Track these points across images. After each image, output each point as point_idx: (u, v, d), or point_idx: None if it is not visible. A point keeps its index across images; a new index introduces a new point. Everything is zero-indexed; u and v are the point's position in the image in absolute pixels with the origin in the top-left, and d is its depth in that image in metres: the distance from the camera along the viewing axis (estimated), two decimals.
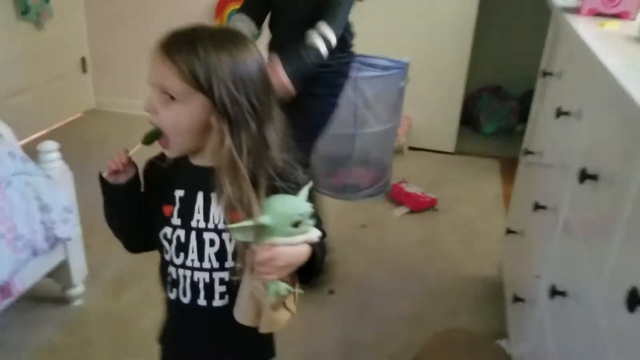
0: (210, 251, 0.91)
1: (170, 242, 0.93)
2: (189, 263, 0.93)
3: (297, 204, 0.80)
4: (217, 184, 0.86)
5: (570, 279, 1.14)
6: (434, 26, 3.11)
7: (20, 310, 1.83)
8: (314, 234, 0.82)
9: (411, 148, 3.33)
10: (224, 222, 0.89)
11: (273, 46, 1.88)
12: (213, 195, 0.90)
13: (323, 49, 1.66)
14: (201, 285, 0.93)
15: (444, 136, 3.34)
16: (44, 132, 3.24)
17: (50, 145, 1.73)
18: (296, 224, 0.78)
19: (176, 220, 0.93)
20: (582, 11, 1.50)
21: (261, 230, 0.78)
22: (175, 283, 0.95)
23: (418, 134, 3.32)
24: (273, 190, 0.85)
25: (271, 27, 1.91)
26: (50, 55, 3.29)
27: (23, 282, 1.65)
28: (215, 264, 0.92)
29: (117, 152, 0.95)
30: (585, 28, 1.36)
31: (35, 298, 1.92)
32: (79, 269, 1.90)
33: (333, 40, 1.67)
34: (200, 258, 0.92)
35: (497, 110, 3.63)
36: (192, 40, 0.85)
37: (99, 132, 3.40)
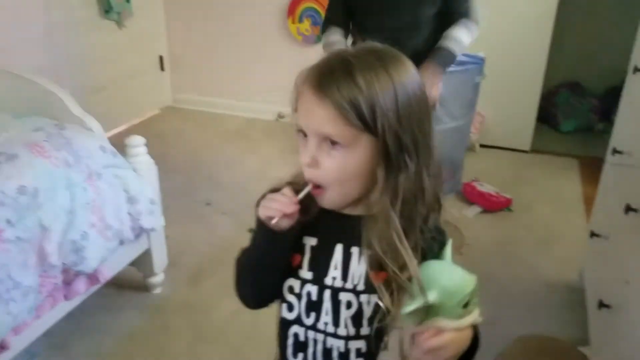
0: (346, 315, 0.78)
1: (299, 297, 0.80)
2: (321, 326, 0.80)
3: (463, 277, 0.67)
4: (363, 237, 0.74)
5: None
6: (511, 19, 3.01)
7: (104, 297, 1.92)
8: (478, 314, 0.68)
9: (483, 146, 3.24)
10: (365, 284, 0.76)
11: None
12: (354, 250, 0.78)
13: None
14: (335, 354, 0.80)
15: (519, 134, 3.23)
16: (122, 128, 3.39)
17: (138, 140, 1.81)
18: (466, 304, 0.66)
19: (306, 274, 0.80)
20: None
21: (427, 310, 0.66)
22: (302, 346, 0.82)
23: (492, 131, 3.23)
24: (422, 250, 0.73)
25: (364, 33, 1.88)
26: (130, 53, 3.43)
27: (109, 270, 1.73)
28: (352, 331, 0.78)
29: (282, 192, 0.76)
30: None
31: (118, 285, 2.01)
32: (160, 258, 1.98)
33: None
34: (336, 322, 0.79)
35: (576, 108, 3.48)
36: (349, 71, 0.70)
37: (176, 128, 3.53)
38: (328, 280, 0.78)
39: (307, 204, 0.76)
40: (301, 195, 0.75)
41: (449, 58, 1.80)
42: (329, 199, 0.75)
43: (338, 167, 0.72)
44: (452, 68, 2.59)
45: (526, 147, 3.24)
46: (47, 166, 1.52)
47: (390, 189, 0.72)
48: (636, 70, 1.63)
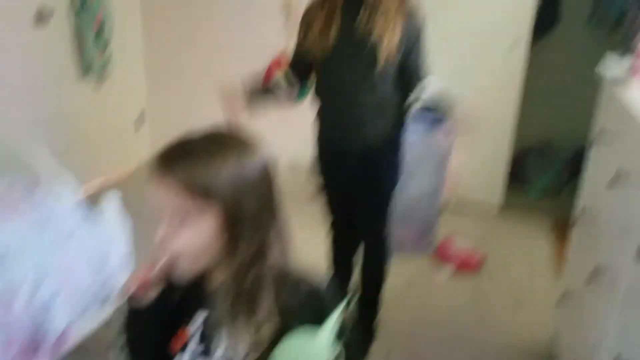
0: None
1: None
2: None
3: (312, 353, 0.68)
4: (214, 307, 0.82)
5: (637, 349, 1.10)
6: (481, 83, 3.13)
7: None
8: None
9: (457, 204, 3.30)
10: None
11: (322, 112, 1.92)
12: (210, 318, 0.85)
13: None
14: None
15: (491, 193, 3.31)
16: (98, 186, 3.36)
17: (111, 198, 1.81)
18: None
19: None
20: (636, 74, 1.50)
21: None
22: None
23: (465, 189, 3.29)
24: (287, 316, 0.77)
25: (322, 92, 1.89)
26: (108, 111, 3.45)
27: (78, 332, 1.69)
28: None
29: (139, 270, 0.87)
30: (637, 96, 1.36)
31: (86, 348, 1.94)
32: None
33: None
34: None
35: (546, 168, 3.58)
36: (188, 150, 0.82)
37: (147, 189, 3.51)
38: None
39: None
40: (156, 269, 0.82)
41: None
42: (182, 271, 0.82)
43: (185, 241, 0.79)
44: (425, 127, 2.70)
45: (498, 207, 3.30)
46: (19, 225, 1.50)
47: (233, 258, 0.79)
48: (598, 136, 1.71)
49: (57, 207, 1.62)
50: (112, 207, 1.80)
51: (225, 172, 0.78)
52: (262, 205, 0.81)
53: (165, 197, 0.79)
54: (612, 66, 1.73)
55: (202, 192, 0.77)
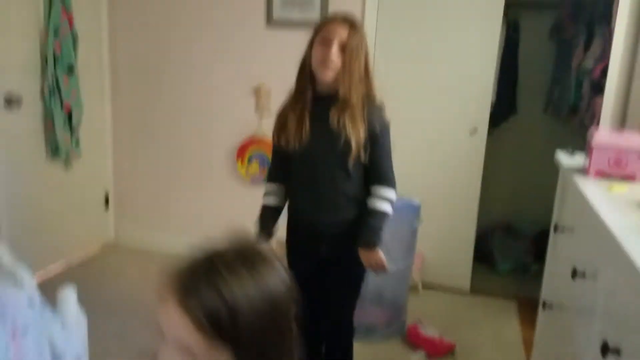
0: None
1: None
2: None
3: None
4: None
5: None
6: (447, 164, 3.22)
7: None
8: None
9: (426, 286, 3.30)
10: None
11: (297, 200, 1.95)
12: None
13: (390, 211, 1.80)
14: None
15: (458, 274, 3.32)
16: (60, 266, 3.29)
17: (68, 292, 1.75)
18: None
19: None
20: (589, 172, 1.56)
21: None
22: None
23: (433, 271, 3.31)
24: None
25: (297, 183, 1.92)
26: (74, 191, 3.42)
27: None
28: None
29: None
30: (593, 190, 1.41)
31: None
32: None
33: (394, 198, 1.80)
34: None
35: (512, 248, 3.64)
36: (212, 281, 0.72)
37: (116, 267, 3.44)
38: None
39: None
40: None
41: (380, 222, 1.82)
42: None
43: None
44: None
45: (466, 288, 3.31)
46: None
47: None
48: (556, 228, 1.75)
49: (11, 304, 1.55)
50: (69, 301, 1.74)
51: (251, 307, 0.71)
52: (280, 336, 0.75)
53: (179, 330, 0.71)
54: (568, 158, 1.81)
55: (220, 332, 0.69)
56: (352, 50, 1.68)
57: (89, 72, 3.40)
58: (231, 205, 3.59)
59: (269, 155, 3.44)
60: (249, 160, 3.45)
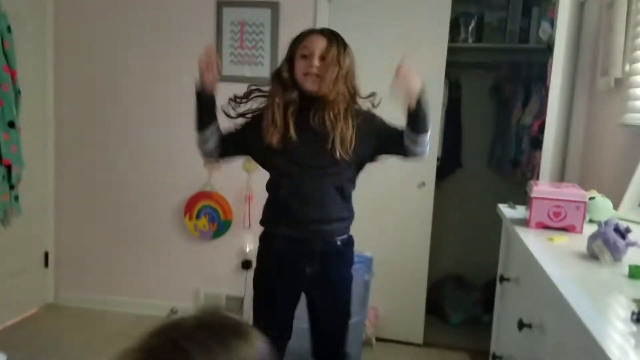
0: None
1: None
2: None
3: None
4: None
5: None
6: (393, 219, 3.26)
7: None
8: None
9: (380, 339, 3.26)
10: None
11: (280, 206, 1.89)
12: None
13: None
14: None
15: (411, 327, 3.30)
16: None
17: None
18: None
19: None
20: (530, 224, 1.61)
21: None
22: None
23: (386, 324, 3.28)
24: None
25: (281, 184, 1.88)
26: (12, 251, 3.26)
27: None
28: None
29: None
30: (535, 242, 1.45)
31: None
32: None
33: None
34: None
35: (463, 300, 3.66)
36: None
37: (53, 329, 3.25)
38: None
39: None
40: None
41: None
42: None
43: None
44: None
45: (419, 341, 3.29)
46: None
47: None
48: (502, 279, 1.78)
49: None
50: None
51: None
52: None
53: None
54: (509, 210, 1.86)
55: None
56: (332, 59, 1.76)
57: (32, 128, 3.31)
58: (178, 263, 3.50)
59: (218, 209, 3.43)
60: (198, 216, 3.39)
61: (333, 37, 1.82)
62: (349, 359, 2.04)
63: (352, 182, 1.92)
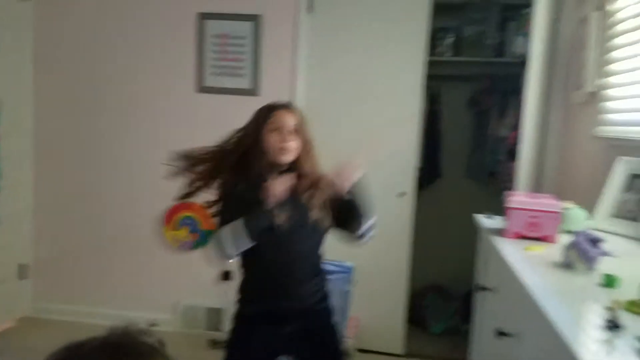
0: None
1: None
2: None
3: None
4: None
5: None
6: (379, 226, 3.27)
7: None
8: None
9: (360, 350, 3.27)
10: None
11: (257, 271, 1.91)
12: None
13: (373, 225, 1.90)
14: None
15: (392, 337, 3.32)
16: None
17: None
18: None
19: None
20: (507, 234, 1.64)
21: None
22: None
23: (367, 335, 3.29)
24: None
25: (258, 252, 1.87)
26: None
27: None
28: None
29: None
30: (511, 251, 1.48)
31: None
32: None
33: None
34: None
35: (444, 310, 3.70)
36: None
37: (31, 342, 3.18)
38: None
39: None
40: None
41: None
42: None
43: None
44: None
45: (400, 351, 3.31)
46: None
47: None
48: (480, 288, 1.81)
49: None
50: None
51: None
52: None
53: None
54: (487, 220, 1.90)
55: None
56: (304, 132, 1.86)
57: (11, 138, 3.28)
58: (158, 274, 3.47)
59: (200, 219, 3.39)
60: (178, 227, 3.37)
61: (298, 112, 1.90)
62: None
63: (323, 244, 1.96)
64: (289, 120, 1.84)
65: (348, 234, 1.91)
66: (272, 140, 1.82)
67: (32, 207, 3.54)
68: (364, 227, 1.88)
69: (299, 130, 1.85)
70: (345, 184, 1.81)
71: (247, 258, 1.89)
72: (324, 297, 1.96)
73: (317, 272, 1.93)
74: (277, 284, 1.86)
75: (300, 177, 1.84)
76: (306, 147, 1.86)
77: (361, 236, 1.89)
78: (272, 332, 1.87)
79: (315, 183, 1.85)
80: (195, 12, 3.27)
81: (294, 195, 1.81)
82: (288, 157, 1.84)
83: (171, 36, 3.33)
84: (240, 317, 1.93)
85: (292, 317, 1.87)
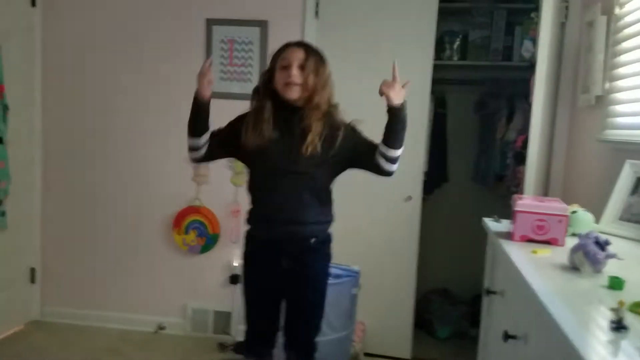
0: None
1: None
2: None
3: None
4: None
5: None
6: (382, 234, 3.29)
7: None
8: None
9: (367, 354, 3.27)
10: None
11: (257, 208, 2.01)
12: None
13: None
14: None
15: (399, 341, 3.32)
16: None
17: None
18: None
19: None
20: (514, 237, 1.65)
21: None
22: None
23: (373, 339, 3.29)
24: None
25: (258, 187, 2.01)
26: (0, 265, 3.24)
27: None
28: None
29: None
30: (518, 254, 1.48)
31: None
32: None
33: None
34: None
35: (450, 314, 3.68)
36: None
37: (39, 346, 3.21)
38: None
39: None
40: None
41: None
42: None
43: None
44: (329, 281, 2.74)
45: (407, 355, 3.30)
46: None
47: None
48: (488, 292, 1.82)
49: None
50: None
51: None
52: None
53: None
54: (494, 224, 1.90)
55: None
56: (310, 68, 1.88)
57: (20, 143, 3.31)
58: (165, 278, 3.49)
59: (206, 224, 3.43)
60: (186, 230, 3.40)
61: (310, 49, 1.94)
62: (317, 349, 2.16)
63: (328, 188, 2.02)
64: (296, 56, 1.87)
65: (375, 170, 1.96)
66: (278, 76, 1.89)
67: (40, 212, 3.56)
68: (396, 153, 1.93)
69: (308, 67, 1.86)
70: (395, 97, 1.86)
71: (249, 184, 2.01)
72: (320, 245, 2.00)
73: (315, 220, 1.96)
74: (269, 216, 1.94)
75: (303, 112, 1.88)
76: (314, 83, 1.87)
77: (390, 169, 1.96)
78: (271, 268, 1.97)
79: (318, 120, 1.87)
80: (204, 18, 3.30)
81: (291, 121, 1.88)
82: (293, 93, 1.87)
83: (179, 42, 3.35)
84: (247, 242, 2.05)
85: (289, 251, 1.95)
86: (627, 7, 2.18)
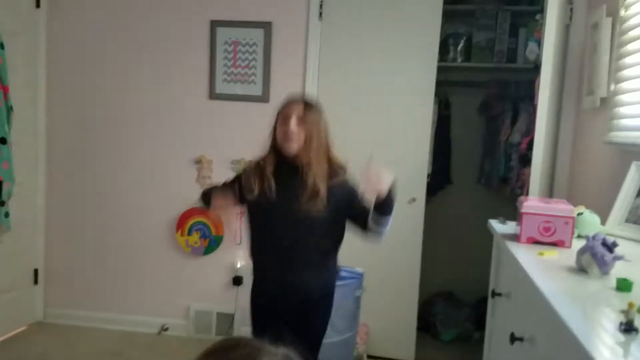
0: None
1: None
2: None
3: None
4: None
5: None
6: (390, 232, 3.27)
7: None
8: None
9: (371, 356, 3.26)
10: None
11: (260, 264, 2.07)
12: None
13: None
14: None
15: (402, 344, 3.31)
16: None
17: None
18: None
19: None
20: (521, 239, 1.64)
21: None
22: None
23: (377, 341, 3.28)
24: None
25: (259, 245, 2.06)
26: (1, 268, 3.24)
27: None
28: None
29: None
30: (525, 256, 1.47)
31: None
32: None
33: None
34: None
35: (453, 317, 3.67)
36: None
37: (41, 348, 3.21)
38: None
39: None
40: None
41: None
42: None
43: None
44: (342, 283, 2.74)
45: (410, 357, 3.29)
46: None
47: None
48: (494, 294, 1.81)
49: None
50: None
51: None
52: None
53: None
54: (500, 226, 1.89)
55: None
56: (310, 123, 1.89)
57: (24, 144, 3.31)
58: (168, 279, 3.49)
59: (210, 225, 3.43)
60: (189, 231, 3.39)
61: (309, 103, 1.96)
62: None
63: (329, 245, 2.03)
64: (295, 110, 1.89)
65: (368, 231, 1.95)
66: (278, 131, 1.92)
67: (43, 213, 3.57)
68: (387, 224, 1.92)
69: (305, 120, 1.87)
70: (381, 189, 1.81)
71: (252, 238, 2.06)
72: (327, 295, 2.04)
73: (320, 259, 1.99)
74: (275, 264, 1.97)
75: (303, 166, 1.89)
76: (310, 137, 1.88)
77: (382, 232, 1.94)
78: (272, 315, 2.01)
79: (312, 169, 1.88)
80: (208, 20, 3.30)
81: (289, 178, 1.90)
82: (292, 146, 1.88)
83: (183, 43, 3.36)
84: (252, 289, 2.11)
85: (291, 305, 1.99)
86: (633, 9, 2.17)
